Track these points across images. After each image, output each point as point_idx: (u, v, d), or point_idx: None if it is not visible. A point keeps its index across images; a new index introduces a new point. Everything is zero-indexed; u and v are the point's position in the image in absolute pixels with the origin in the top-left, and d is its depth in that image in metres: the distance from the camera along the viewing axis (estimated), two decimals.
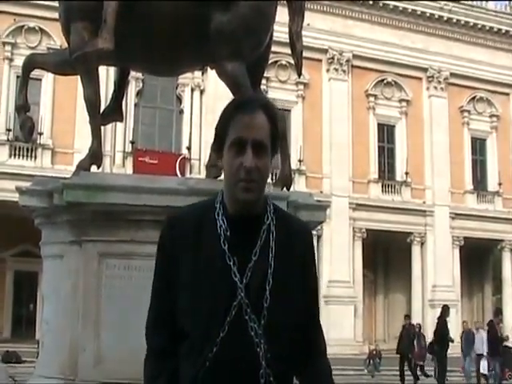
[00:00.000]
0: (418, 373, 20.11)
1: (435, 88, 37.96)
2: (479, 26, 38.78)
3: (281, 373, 1.97)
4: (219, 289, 1.97)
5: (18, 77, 27.05)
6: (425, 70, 37.82)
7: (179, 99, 33.71)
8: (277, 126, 2.10)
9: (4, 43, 30.78)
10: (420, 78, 38.17)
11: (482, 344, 20.20)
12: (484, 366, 19.96)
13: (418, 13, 37.36)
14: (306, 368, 2.12)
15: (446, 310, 18.51)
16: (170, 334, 2.06)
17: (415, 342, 20.29)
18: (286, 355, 1.99)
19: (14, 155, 30.12)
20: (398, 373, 19.76)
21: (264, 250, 2.02)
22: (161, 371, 2.06)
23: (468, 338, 21.11)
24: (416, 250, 36.79)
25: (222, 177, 2.12)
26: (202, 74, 30.77)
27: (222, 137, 2.06)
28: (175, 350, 2.04)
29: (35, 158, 30.45)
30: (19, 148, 30.14)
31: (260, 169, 2.01)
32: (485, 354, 20.02)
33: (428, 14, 37.55)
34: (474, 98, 39.22)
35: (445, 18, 37.90)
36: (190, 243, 2.04)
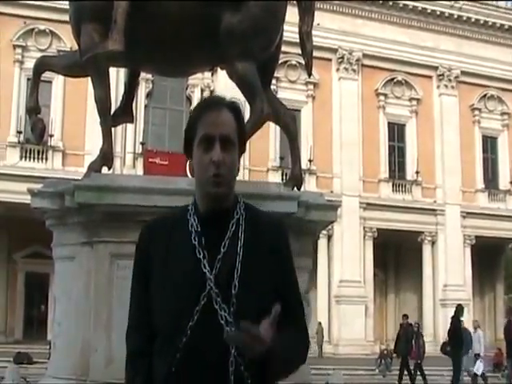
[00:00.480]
0: (418, 372, 19.77)
1: (446, 86, 37.83)
2: (490, 24, 38.60)
3: (250, 360, 1.97)
4: (189, 282, 2.03)
5: (28, 79, 27.21)
6: (435, 68, 37.69)
7: (189, 100, 33.75)
8: (243, 125, 2.19)
9: (14, 46, 30.94)
10: (430, 77, 38.04)
11: (479, 344, 19.87)
12: (479, 367, 19.51)
13: (428, 11, 37.24)
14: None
15: (460, 309, 18.17)
16: (146, 335, 2.11)
17: (413, 342, 19.96)
18: None
19: (25, 157, 30.26)
20: (406, 372, 19.57)
21: (233, 242, 2.08)
22: (137, 371, 2.12)
23: (465, 337, 20.76)
24: (427, 249, 36.68)
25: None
26: (212, 74, 30.80)
27: (191, 136, 2.13)
28: (150, 350, 2.09)
29: (46, 159, 30.58)
30: (30, 150, 30.28)
31: (228, 163, 2.08)
32: (481, 354, 19.71)
33: (438, 12, 37.42)
34: (484, 95, 39.05)
35: (455, 16, 37.75)
36: (162, 244, 2.12)
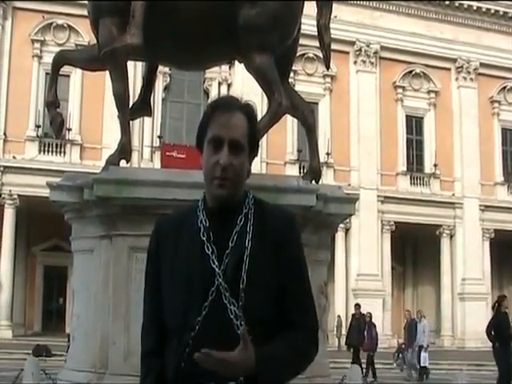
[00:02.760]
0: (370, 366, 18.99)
1: (464, 79, 37.52)
2: (510, 15, 38.17)
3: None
4: (197, 277, 2.03)
5: (47, 74, 27.36)
6: (454, 60, 37.38)
7: (206, 93, 33.77)
8: (255, 129, 2.17)
9: (33, 41, 31.11)
10: (449, 69, 37.75)
11: (423, 335, 19.34)
12: (425, 358, 18.91)
13: (447, 2, 36.90)
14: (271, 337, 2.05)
15: (502, 299, 14.81)
16: (159, 335, 2.13)
17: (365, 333, 19.19)
18: (265, 337, 1.99)
19: (44, 151, 30.47)
20: (428, 366, 19.33)
21: (241, 237, 2.08)
22: (149, 370, 2.14)
23: (411, 328, 20.12)
24: (445, 242, 36.49)
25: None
26: (230, 67, 30.79)
27: (202, 135, 2.14)
28: (163, 349, 2.11)
29: (64, 153, 30.77)
30: (48, 144, 30.48)
31: (235, 166, 2.08)
32: (425, 345, 19.06)
33: (457, 4, 37.07)
34: (504, 88, 38.67)
35: (474, 8, 37.38)
36: (172, 242, 2.13)
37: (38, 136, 30.33)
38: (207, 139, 2.11)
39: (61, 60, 6.17)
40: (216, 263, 2.03)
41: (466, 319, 35.13)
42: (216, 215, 2.12)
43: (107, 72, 5.94)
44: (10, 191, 29.36)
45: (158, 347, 2.13)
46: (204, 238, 2.07)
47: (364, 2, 35.73)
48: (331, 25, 6.30)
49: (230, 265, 2.03)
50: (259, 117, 2.73)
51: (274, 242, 2.10)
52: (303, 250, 2.20)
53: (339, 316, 31.52)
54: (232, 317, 1.99)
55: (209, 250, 2.06)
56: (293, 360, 2.05)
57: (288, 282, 2.10)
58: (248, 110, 2.16)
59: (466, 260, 36.05)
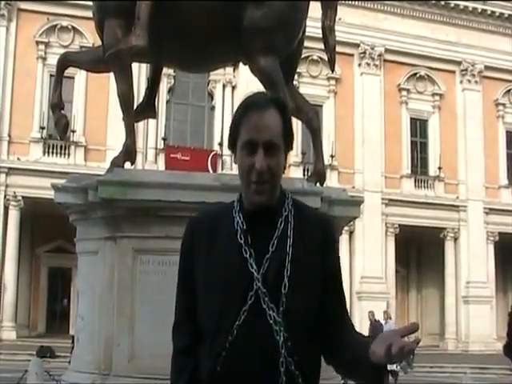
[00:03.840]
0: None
1: (469, 81, 37.46)
2: None
3: (301, 360, 1.96)
4: (234, 281, 1.99)
5: (51, 75, 27.44)
6: (458, 63, 37.33)
7: (211, 95, 33.79)
8: (289, 123, 2.11)
9: (38, 42, 31.15)
10: (453, 72, 37.69)
11: None
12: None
13: (451, 5, 36.84)
14: (331, 337, 2.07)
15: None
16: (191, 333, 2.10)
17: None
18: (306, 342, 1.99)
19: (48, 153, 30.49)
20: (432, 369, 19.33)
21: (282, 241, 2.03)
22: (182, 369, 2.10)
23: (376, 330, 19.52)
24: (449, 245, 36.40)
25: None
26: (234, 69, 30.78)
27: (235, 137, 2.09)
28: (197, 347, 2.08)
29: (68, 155, 30.79)
30: (53, 146, 30.51)
31: (272, 168, 2.03)
32: None
33: (461, 6, 37.01)
34: (508, 90, 38.60)
35: (479, 10, 37.31)
36: (206, 242, 2.09)
37: (42, 138, 30.36)
38: (241, 142, 2.06)
39: (65, 62, 6.17)
40: (254, 267, 1.99)
41: (471, 322, 35.05)
42: (253, 217, 2.07)
43: (112, 74, 5.95)
44: (15, 193, 29.39)
45: (191, 346, 2.10)
46: (242, 241, 2.03)
47: (368, 5, 35.71)
48: (335, 27, 6.30)
49: (270, 269, 1.99)
50: None
51: (316, 247, 2.07)
52: (339, 255, 2.20)
53: None
54: (271, 322, 1.96)
55: (246, 253, 2.01)
56: None
57: (329, 287, 2.08)
58: (280, 104, 2.11)
59: (471, 263, 35.96)
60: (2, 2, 30.36)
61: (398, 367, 18.75)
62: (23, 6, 30.90)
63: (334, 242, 2.16)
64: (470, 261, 35.99)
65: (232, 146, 2.12)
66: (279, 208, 2.09)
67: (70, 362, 6.69)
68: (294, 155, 33.68)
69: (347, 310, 2.18)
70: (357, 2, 35.14)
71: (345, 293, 2.18)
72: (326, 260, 2.08)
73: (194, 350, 2.08)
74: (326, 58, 6.35)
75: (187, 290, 2.12)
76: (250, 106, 2.07)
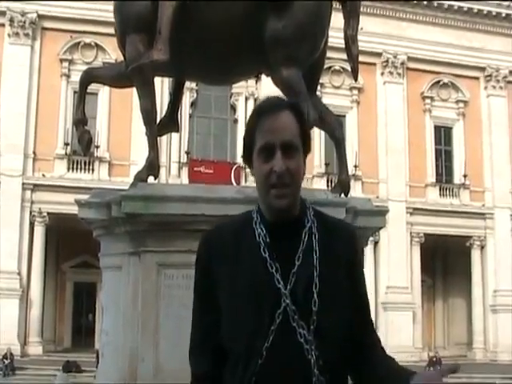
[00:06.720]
0: None
1: (493, 87, 37.14)
2: None
3: (332, 379, 1.88)
4: (262, 298, 1.89)
5: (75, 92, 27.64)
6: (482, 69, 37.04)
7: (233, 108, 33.89)
8: (305, 124, 2.01)
9: (61, 60, 31.56)
10: (477, 78, 37.41)
11: None
12: None
13: (475, 11, 36.58)
14: (363, 362, 2.00)
15: None
16: (212, 356, 1.98)
17: None
18: (335, 360, 1.91)
19: (72, 169, 30.82)
20: (460, 380, 19.05)
21: (307, 254, 1.93)
22: None
23: None
24: (476, 253, 36.02)
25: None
26: (256, 82, 30.83)
27: (250, 145, 1.98)
28: (218, 373, 1.96)
29: (93, 170, 31.07)
30: (77, 161, 30.83)
31: (292, 170, 1.92)
32: None
33: (485, 12, 36.74)
34: None
35: (503, 15, 37.00)
36: (227, 256, 1.97)
37: (66, 154, 30.67)
38: (256, 149, 1.95)
39: (88, 78, 6.20)
40: (281, 283, 1.88)
41: (499, 331, 34.58)
42: (276, 229, 1.96)
43: (134, 89, 5.96)
44: (40, 209, 29.68)
45: (213, 371, 1.97)
46: (266, 255, 1.91)
47: (390, 13, 35.60)
48: (358, 36, 6.25)
49: (298, 285, 1.89)
50: None
51: (341, 259, 1.98)
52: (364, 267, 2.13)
53: None
54: (302, 341, 1.86)
55: (272, 268, 1.90)
56: None
57: (356, 301, 2.01)
58: (294, 106, 2.01)
59: (498, 271, 35.52)
60: (27, 22, 30.77)
61: None
62: (47, 24, 31.33)
63: (359, 254, 2.08)
64: (497, 269, 35.58)
65: (247, 158, 2.01)
66: (301, 218, 1.99)
67: (95, 377, 6.68)
68: (318, 166, 33.61)
69: (373, 324, 2.12)
70: (378, 11, 35.03)
71: (370, 304, 2.12)
72: (352, 274, 2.00)
73: (216, 375, 1.96)
74: (349, 68, 6.31)
75: (206, 308, 2.01)
76: (262, 110, 1.98)
